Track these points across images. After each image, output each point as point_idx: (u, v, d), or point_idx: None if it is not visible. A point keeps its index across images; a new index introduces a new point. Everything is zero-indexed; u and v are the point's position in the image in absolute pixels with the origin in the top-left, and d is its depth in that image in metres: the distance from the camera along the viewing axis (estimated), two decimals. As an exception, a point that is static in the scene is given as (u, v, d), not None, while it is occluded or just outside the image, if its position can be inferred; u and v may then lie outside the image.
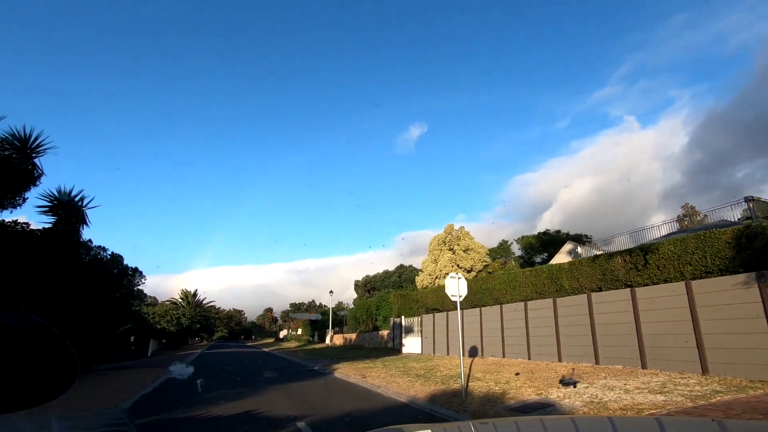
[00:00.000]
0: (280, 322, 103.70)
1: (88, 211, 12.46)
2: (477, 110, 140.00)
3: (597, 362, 13.01)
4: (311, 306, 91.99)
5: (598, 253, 20.96)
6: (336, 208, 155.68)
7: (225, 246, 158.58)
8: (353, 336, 38.72)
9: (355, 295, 59.94)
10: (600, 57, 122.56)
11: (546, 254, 38.01)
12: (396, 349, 27.84)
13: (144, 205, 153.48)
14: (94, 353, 17.14)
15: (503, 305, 18.20)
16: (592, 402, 7.92)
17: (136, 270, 20.46)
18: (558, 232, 37.52)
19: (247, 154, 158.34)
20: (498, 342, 18.05)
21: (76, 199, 12.25)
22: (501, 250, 39.60)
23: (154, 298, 71.05)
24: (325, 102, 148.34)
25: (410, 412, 8.72)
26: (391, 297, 31.15)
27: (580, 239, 34.09)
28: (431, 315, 24.17)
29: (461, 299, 10.53)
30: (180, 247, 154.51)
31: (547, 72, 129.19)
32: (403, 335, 27.63)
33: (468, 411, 8.23)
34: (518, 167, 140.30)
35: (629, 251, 13.18)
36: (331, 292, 39.38)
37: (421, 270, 37.69)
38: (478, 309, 19.79)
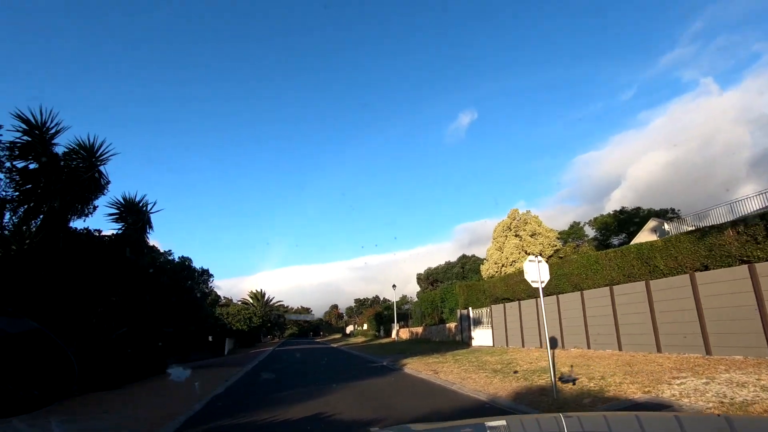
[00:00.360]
0: (345, 318, 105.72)
1: (151, 215, 12.88)
2: (530, 90, 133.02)
3: (708, 353, 11.16)
4: (375, 301, 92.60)
5: (691, 228, 18.48)
6: (391, 203, 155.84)
7: (290, 246, 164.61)
8: (419, 330, 38.01)
9: (417, 289, 59.32)
10: (667, 15, 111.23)
11: (624, 234, 34.80)
12: (465, 342, 26.73)
13: (214, 210, 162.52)
14: (170, 354, 17.91)
15: (584, 291, 16.51)
16: (722, 403, 6.49)
17: (204, 271, 21.17)
18: (637, 209, 34.14)
19: (306, 155, 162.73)
20: (580, 332, 16.42)
21: (140, 204, 12.64)
22: (572, 233, 36.87)
23: (229, 299, 75.06)
24: (370, 96, 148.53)
25: (493, 412, 7.76)
26: (456, 288, 29.99)
27: (664, 215, 30.72)
28: (501, 305, 22.79)
29: (543, 285, 9.34)
30: (250, 249, 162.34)
31: (606, 39, 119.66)
32: (472, 327, 26.46)
33: (563, 411, 7.12)
34: (580, 146, 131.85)
35: (743, 221, 11.13)
36: (394, 286, 38.95)
37: (485, 259, 36.12)
38: (554, 296, 18.19)
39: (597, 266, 16.01)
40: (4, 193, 9.27)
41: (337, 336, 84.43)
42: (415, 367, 15.90)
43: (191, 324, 17.70)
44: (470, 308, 26.86)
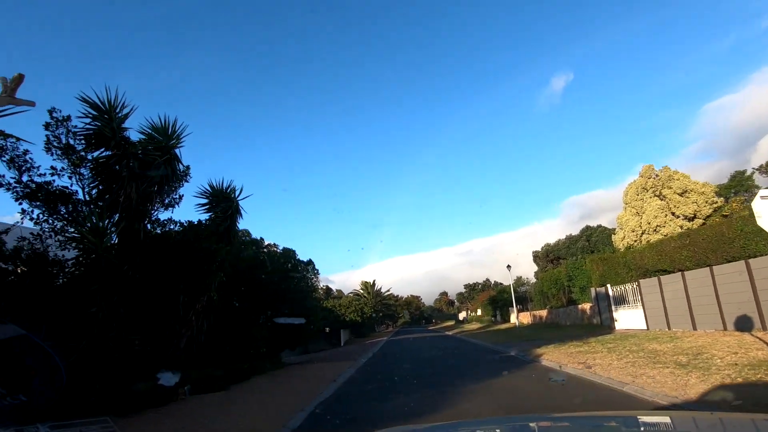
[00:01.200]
0: (457, 304, 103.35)
1: (242, 202, 11.91)
2: (636, 39, 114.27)
3: None
4: (486, 285, 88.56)
5: None
6: (490, 183, 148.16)
7: (395, 237, 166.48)
8: (543, 313, 34.08)
9: (528, 270, 54.23)
10: None
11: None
12: (605, 326, 22.64)
13: (319, 205, 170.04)
14: (284, 346, 17.48)
15: (795, 251, 11.93)
16: None
17: (309, 262, 20.44)
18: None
19: (400, 142, 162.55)
20: (793, 307, 11.90)
21: (228, 190, 11.79)
22: (734, 185, 29.60)
23: (341, 291, 77.68)
24: (459, 73, 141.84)
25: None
26: (588, 263, 25.67)
27: None
28: (654, 279, 18.41)
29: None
30: (357, 243, 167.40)
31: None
32: (613, 307, 22.25)
33: None
34: (710, 92, 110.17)
35: None
36: (508, 266, 35.40)
37: (618, 227, 30.80)
38: (741, 262, 13.69)
39: (817, 213, 11.33)
40: (88, 189, 8.93)
41: (450, 323, 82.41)
42: (555, 358, 13.03)
43: (300, 316, 16.98)
44: (608, 285, 22.62)
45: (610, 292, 22.48)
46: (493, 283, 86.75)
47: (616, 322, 21.73)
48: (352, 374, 13.48)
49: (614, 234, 31.82)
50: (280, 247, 17.95)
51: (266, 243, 17.81)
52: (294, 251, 17.81)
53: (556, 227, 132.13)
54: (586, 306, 25.70)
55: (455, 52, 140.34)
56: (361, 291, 65.75)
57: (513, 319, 42.53)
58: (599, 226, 38.02)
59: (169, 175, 9.71)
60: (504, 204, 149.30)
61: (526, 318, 38.99)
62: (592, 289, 24.50)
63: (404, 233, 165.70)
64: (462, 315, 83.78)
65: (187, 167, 10.95)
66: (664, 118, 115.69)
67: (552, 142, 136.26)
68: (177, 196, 11.04)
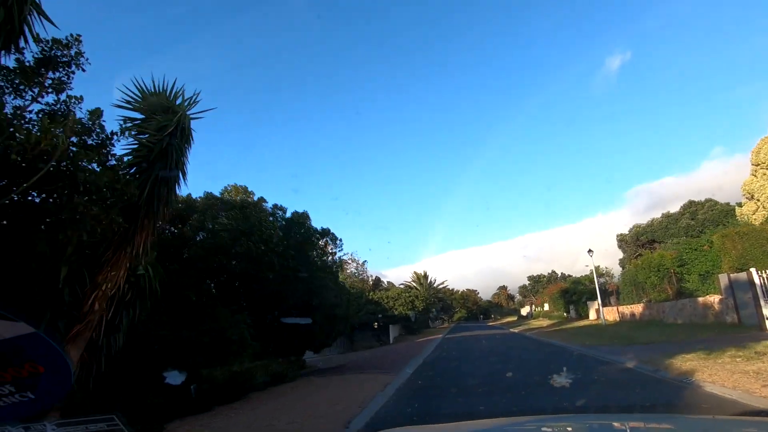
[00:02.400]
0: (518, 298, 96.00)
1: (194, 120, 7.18)
2: (703, 6, 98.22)
3: None
4: (551, 278, 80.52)
5: None
6: (547, 175, 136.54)
7: (448, 231, 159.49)
8: (637, 308, 27.55)
9: (603, 260, 46.44)
10: None
11: None
12: (750, 325, 16.34)
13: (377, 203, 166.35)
14: (305, 348, 13.19)
15: None
16: None
17: (326, 232, 15.46)
18: None
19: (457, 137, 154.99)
20: None
21: (171, 96, 6.99)
22: None
23: (392, 283, 73.46)
24: (509, 64, 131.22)
25: None
26: (715, 240, 19.08)
27: None
28: None
29: None
30: (412, 237, 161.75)
31: None
32: (762, 300, 15.91)
33: None
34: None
35: None
36: (590, 251, 29.07)
37: (744, 197, 23.68)
38: None
39: None
40: None
41: (512, 318, 75.60)
42: (724, 379, 7.86)
43: (314, 307, 12.57)
44: (754, 270, 16.26)
45: (757, 280, 16.12)
46: (560, 274, 78.60)
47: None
48: (386, 403, 8.43)
49: (739, 206, 24.68)
50: (289, 213, 13.46)
51: (272, 205, 13.43)
52: (307, 215, 13.19)
53: (621, 218, 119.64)
54: (712, 299, 19.19)
55: (504, 41, 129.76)
56: (413, 283, 60.87)
57: (593, 314, 36.05)
58: (708, 200, 30.42)
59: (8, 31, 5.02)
60: (562, 196, 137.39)
61: (610, 314, 32.45)
62: (723, 276, 18.04)
63: (459, 228, 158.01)
64: (525, 310, 76.74)
65: (78, 37, 6.23)
66: (751, 90, 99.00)
67: (611, 128, 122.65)
68: (65, 97, 6.66)
